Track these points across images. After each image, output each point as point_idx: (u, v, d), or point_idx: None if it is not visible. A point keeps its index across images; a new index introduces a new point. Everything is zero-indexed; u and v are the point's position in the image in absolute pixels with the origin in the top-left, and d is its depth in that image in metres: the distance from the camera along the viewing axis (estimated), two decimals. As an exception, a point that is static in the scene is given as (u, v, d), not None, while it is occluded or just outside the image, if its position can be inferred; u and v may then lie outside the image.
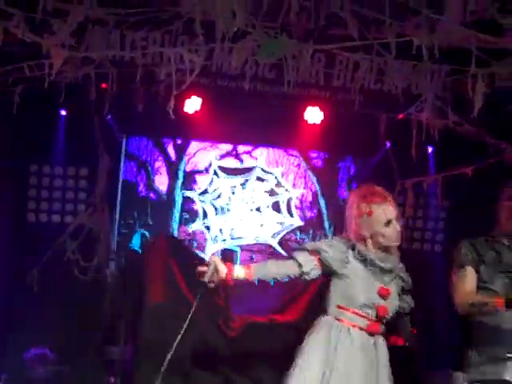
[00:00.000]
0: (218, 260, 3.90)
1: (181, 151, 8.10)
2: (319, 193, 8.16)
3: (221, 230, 8.07)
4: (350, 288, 3.84)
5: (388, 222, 3.80)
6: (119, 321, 6.64)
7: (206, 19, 4.47)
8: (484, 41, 4.26)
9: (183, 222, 8.05)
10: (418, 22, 4.56)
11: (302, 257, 3.86)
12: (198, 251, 7.93)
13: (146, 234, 7.97)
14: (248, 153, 8.16)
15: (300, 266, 3.85)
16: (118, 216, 7.95)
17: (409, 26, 4.72)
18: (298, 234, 8.09)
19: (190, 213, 8.07)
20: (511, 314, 3.66)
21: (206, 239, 8.06)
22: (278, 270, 3.88)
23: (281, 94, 5.26)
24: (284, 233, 8.08)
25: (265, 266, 3.93)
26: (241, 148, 8.15)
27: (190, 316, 4.17)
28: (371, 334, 3.85)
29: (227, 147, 8.14)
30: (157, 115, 5.05)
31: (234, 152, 8.15)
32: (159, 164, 8.09)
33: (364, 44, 4.80)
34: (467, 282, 3.93)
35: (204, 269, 3.89)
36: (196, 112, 7.25)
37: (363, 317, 3.84)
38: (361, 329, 3.84)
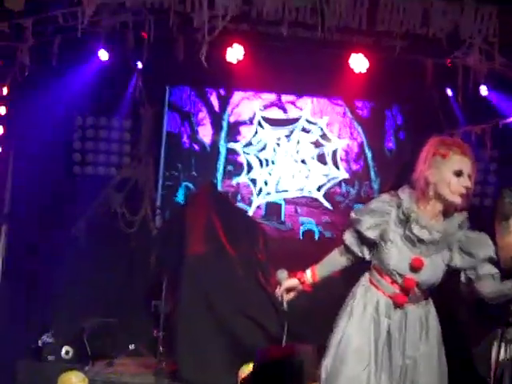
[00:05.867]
0: (283, 282, 3.89)
1: (224, 102, 7.91)
2: (365, 143, 7.89)
3: (266, 182, 7.92)
4: (383, 252, 3.72)
5: (459, 173, 3.54)
6: (164, 275, 6.63)
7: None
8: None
9: (227, 175, 7.90)
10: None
11: (351, 242, 3.83)
12: (242, 204, 7.83)
13: (191, 186, 7.89)
14: (292, 103, 7.91)
15: (353, 253, 3.83)
16: (162, 168, 7.87)
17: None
18: (344, 186, 7.89)
19: (234, 165, 7.92)
20: None
21: (250, 192, 7.91)
22: (338, 263, 3.90)
23: (323, 40, 5.02)
24: (329, 185, 7.88)
25: (327, 262, 3.92)
26: (285, 98, 7.91)
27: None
28: (398, 305, 3.70)
29: (271, 97, 7.91)
30: (199, 64, 4.91)
31: (278, 102, 7.91)
32: (203, 115, 7.92)
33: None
34: (511, 234, 3.71)
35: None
36: (238, 61, 7.08)
37: (393, 283, 3.71)
38: (389, 297, 3.71)
